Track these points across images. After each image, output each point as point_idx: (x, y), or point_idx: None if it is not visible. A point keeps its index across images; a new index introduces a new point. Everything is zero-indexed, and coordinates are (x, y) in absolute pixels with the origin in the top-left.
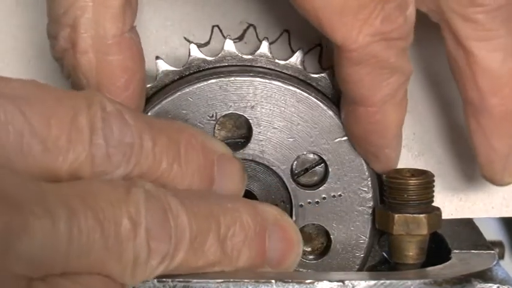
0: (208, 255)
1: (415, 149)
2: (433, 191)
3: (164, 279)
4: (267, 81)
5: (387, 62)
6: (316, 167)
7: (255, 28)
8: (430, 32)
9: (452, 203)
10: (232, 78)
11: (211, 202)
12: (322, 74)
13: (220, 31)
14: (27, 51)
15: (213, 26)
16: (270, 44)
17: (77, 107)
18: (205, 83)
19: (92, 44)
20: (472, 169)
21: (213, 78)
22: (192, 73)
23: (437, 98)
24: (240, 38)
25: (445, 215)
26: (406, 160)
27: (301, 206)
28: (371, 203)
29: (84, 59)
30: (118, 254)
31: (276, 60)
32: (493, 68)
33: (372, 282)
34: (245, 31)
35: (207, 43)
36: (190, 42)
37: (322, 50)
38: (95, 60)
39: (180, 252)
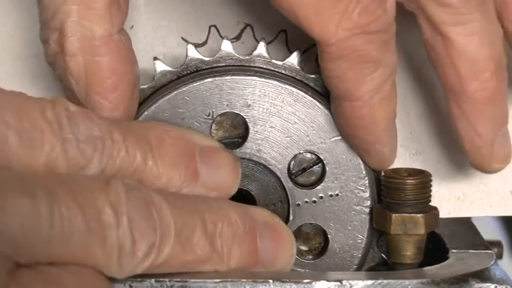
0: (196, 249)
1: (413, 148)
2: (431, 191)
3: (161, 279)
4: (263, 80)
5: (369, 55)
6: (314, 167)
7: (252, 28)
8: None
9: (450, 202)
10: (229, 77)
11: (195, 200)
12: (320, 74)
13: (218, 31)
14: (24, 51)
15: (210, 26)
16: (267, 44)
17: (43, 105)
18: (202, 82)
19: (79, 47)
20: (470, 168)
21: (210, 77)
22: (189, 73)
23: (434, 96)
24: (237, 38)
25: (443, 214)
26: (404, 159)
27: (298, 205)
28: (368, 202)
29: (72, 61)
30: (101, 240)
31: (273, 61)
32: (470, 52)
33: (370, 282)
34: (242, 31)
35: (204, 43)
36: (187, 42)
37: None
38: (83, 63)
39: (166, 244)
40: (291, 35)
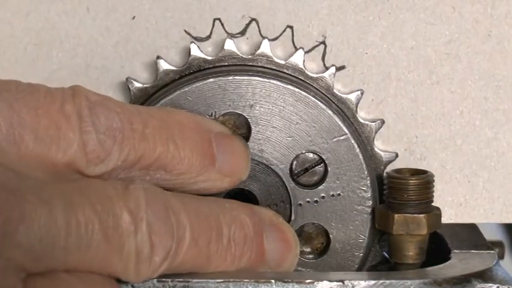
0: (211, 253)
1: (417, 152)
2: (433, 191)
3: (164, 279)
4: (265, 80)
5: None
6: (316, 167)
7: (257, 23)
8: (431, 34)
9: (452, 208)
10: (231, 78)
11: (209, 201)
12: (323, 74)
13: (222, 25)
14: (24, 39)
15: (215, 19)
16: (273, 40)
17: (62, 98)
18: (204, 82)
19: None
20: (473, 174)
21: (212, 77)
22: (192, 72)
23: (440, 100)
24: (242, 33)
25: (444, 220)
26: (408, 163)
27: (300, 205)
28: (370, 202)
29: None
30: (119, 247)
31: (276, 60)
32: None
33: (372, 282)
34: (247, 26)
35: (208, 37)
36: (191, 35)
37: (326, 48)
38: None
39: (183, 249)
40: (297, 31)
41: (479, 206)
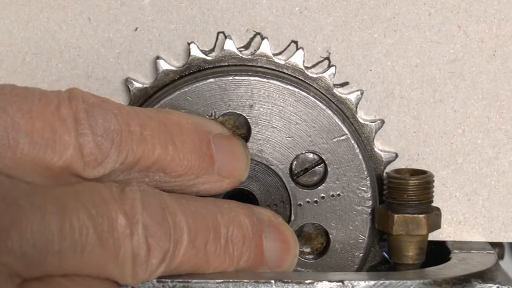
0: (209, 254)
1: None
2: (433, 191)
3: (163, 280)
4: (265, 80)
5: None
6: (316, 167)
7: (261, 37)
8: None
9: (451, 226)
10: (231, 78)
11: (207, 202)
12: (322, 74)
13: (226, 38)
14: (23, 48)
15: (218, 33)
16: (278, 54)
17: (58, 100)
18: (204, 82)
19: None
20: (473, 193)
21: (212, 78)
22: (192, 72)
23: (442, 119)
24: (246, 47)
25: (443, 237)
26: None
27: (300, 205)
28: (370, 203)
29: None
30: (115, 251)
31: (276, 60)
32: None
33: (372, 283)
34: (252, 39)
35: (212, 50)
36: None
37: (330, 64)
38: None
39: (180, 250)
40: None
41: (478, 224)
